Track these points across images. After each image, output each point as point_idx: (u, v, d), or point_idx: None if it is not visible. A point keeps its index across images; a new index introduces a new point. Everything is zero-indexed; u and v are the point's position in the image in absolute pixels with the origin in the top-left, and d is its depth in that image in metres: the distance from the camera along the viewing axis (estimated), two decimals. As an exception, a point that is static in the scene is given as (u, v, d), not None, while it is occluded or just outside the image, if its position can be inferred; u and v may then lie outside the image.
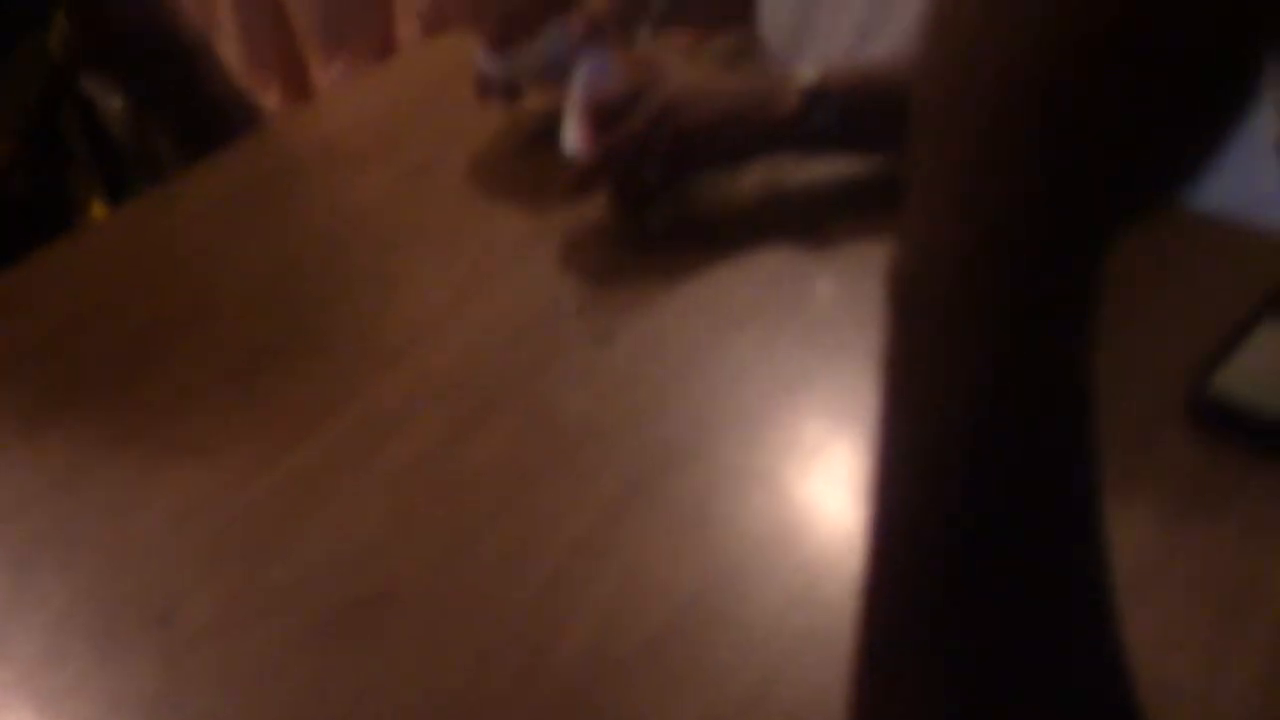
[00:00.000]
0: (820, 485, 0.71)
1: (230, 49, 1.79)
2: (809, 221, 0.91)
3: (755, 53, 1.12)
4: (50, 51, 1.03)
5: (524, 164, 1.00)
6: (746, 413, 0.75)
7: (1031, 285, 0.33)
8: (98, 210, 1.21)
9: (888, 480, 0.37)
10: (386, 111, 1.12)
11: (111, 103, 1.19)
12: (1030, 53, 0.31)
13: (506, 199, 0.97)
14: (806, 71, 0.91)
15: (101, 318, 0.88)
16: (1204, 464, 0.69)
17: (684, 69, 0.95)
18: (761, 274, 0.87)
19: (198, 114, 1.19)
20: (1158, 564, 0.63)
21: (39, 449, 0.77)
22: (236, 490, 0.73)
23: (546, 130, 0.95)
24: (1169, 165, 0.33)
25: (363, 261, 0.92)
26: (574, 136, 0.91)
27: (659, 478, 0.71)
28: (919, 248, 0.35)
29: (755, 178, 0.95)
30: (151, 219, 1.01)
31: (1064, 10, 0.31)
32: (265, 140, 1.12)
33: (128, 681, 0.62)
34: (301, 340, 0.85)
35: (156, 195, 1.07)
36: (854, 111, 0.90)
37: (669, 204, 0.91)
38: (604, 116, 0.89)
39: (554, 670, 0.61)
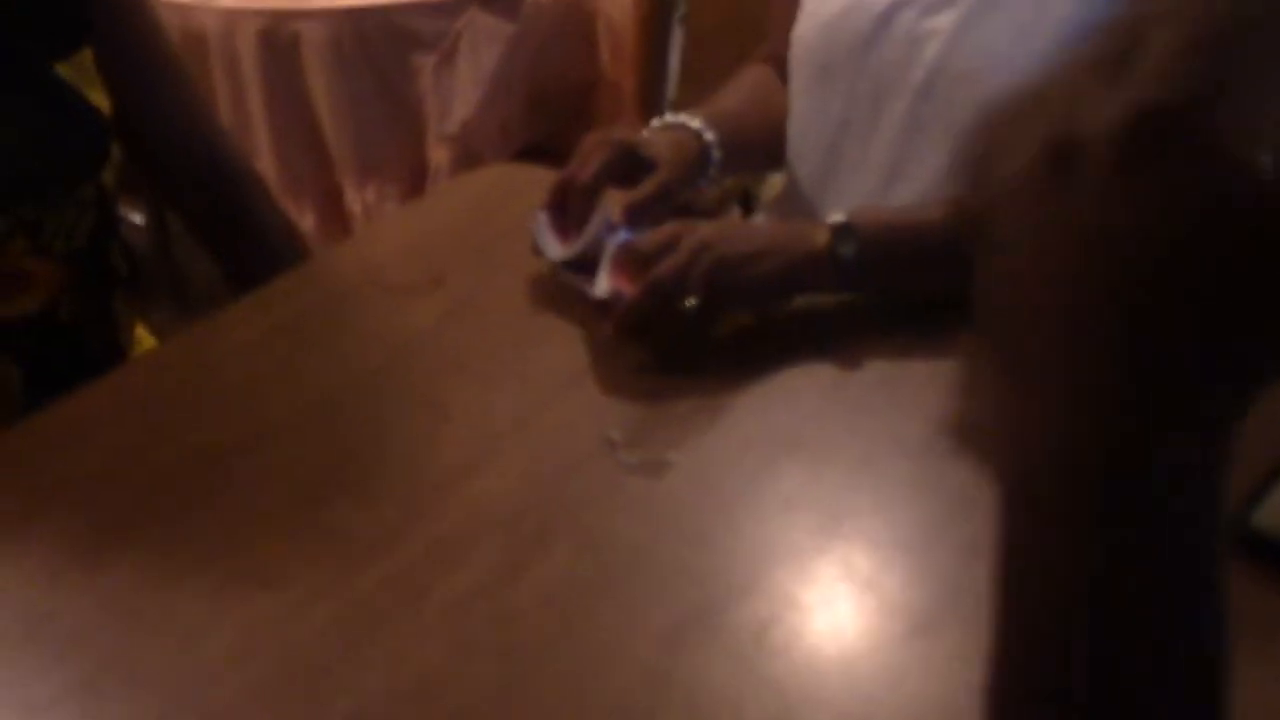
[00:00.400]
0: (874, 618, 0.72)
1: (267, 175, 1.84)
2: (845, 353, 0.94)
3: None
4: (105, 185, 1.07)
5: (568, 296, 1.03)
6: (799, 544, 0.77)
7: (1144, 475, 0.35)
8: (139, 331, 1.24)
9: (1005, 661, 0.39)
10: (429, 242, 1.15)
11: (132, 218, 1.22)
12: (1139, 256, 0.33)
13: (552, 330, 1.00)
14: (837, 212, 0.96)
15: (159, 445, 0.90)
16: (1246, 597, 0.70)
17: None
18: (806, 406, 0.89)
19: (244, 240, 1.22)
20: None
21: (103, 577, 0.79)
22: (299, 619, 0.74)
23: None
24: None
25: (413, 391, 0.95)
26: (607, 283, 0.95)
27: (716, 608, 0.72)
28: (1027, 445, 0.37)
29: (789, 311, 0.98)
30: (203, 347, 1.04)
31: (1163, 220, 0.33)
32: (312, 270, 1.15)
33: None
34: (358, 468, 0.87)
35: (208, 324, 1.10)
36: (878, 249, 0.95)
37: (704, 334, 0.94)
38: (643, 259, 0.93)
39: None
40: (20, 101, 1.02)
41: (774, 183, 1.34)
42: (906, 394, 0.89)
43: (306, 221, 1.87)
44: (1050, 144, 0.35)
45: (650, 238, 0.95)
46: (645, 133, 1.10)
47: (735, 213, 1.59)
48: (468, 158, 1.76)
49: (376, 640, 0.72)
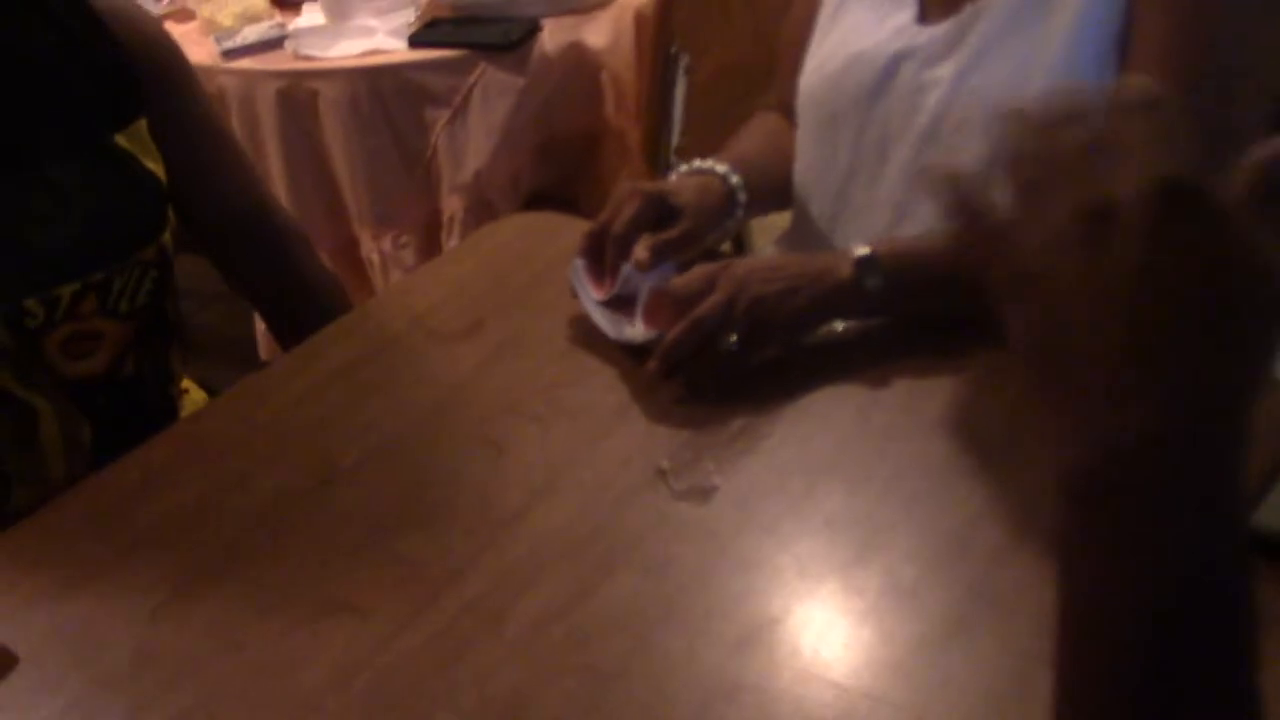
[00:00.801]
0: (918, 622, 0.79)
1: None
2: (872, 378, 1.01)
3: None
4: (165, 247, 1.13)
5: (605, 338, 1.10)
6: (844, 560, 0.84)
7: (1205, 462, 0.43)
8: (186, 382, 1.30)
9: (1074, 654, 0.45)
10: (467, 289, 1.22)
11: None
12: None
13: (593, 369, 1.06)
14: (858, 246, 1.03)
15: (236, 490, 0.96)
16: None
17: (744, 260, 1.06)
18: (838, 430, 0.96)
19: (293, 297, 1.29)
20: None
21: (201, 613, 0.85)
22: (389, 646, 0.80)
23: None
24: None
25: (468, 430, 1.01)
26: (643, 325, 1.03)
27: (774, 620, 0.79)
28: (1093, 445, 0.44)
29: (816, 338, 1.06)
30: (263, 396, 1.10)
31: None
32: (357, 320, 1.21)
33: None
34: (425, 504, 0.93)
35: (264, 374, 1.16)
36: (900, 278, 1.02)
37: (742, 367, 1.02)
38: (681, 300, 1.00)
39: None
40: (86, 171, 1.09)
41: (767, 222, 1.41)
42: (928, 416, 0.96)
43: (324, 272, 1.93)
44: (1087, 208, 0.44)
45: (687, 279, 1.02)
46: (674, 178, 1.18)
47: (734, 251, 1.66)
48: (480, 207, 1.83)
49: (463, 662, 0.78)
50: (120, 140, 1.11)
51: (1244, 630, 0.43)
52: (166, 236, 1.13)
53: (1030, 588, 0.80)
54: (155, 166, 1.13)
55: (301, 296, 1.28)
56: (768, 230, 1.51)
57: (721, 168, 1.16)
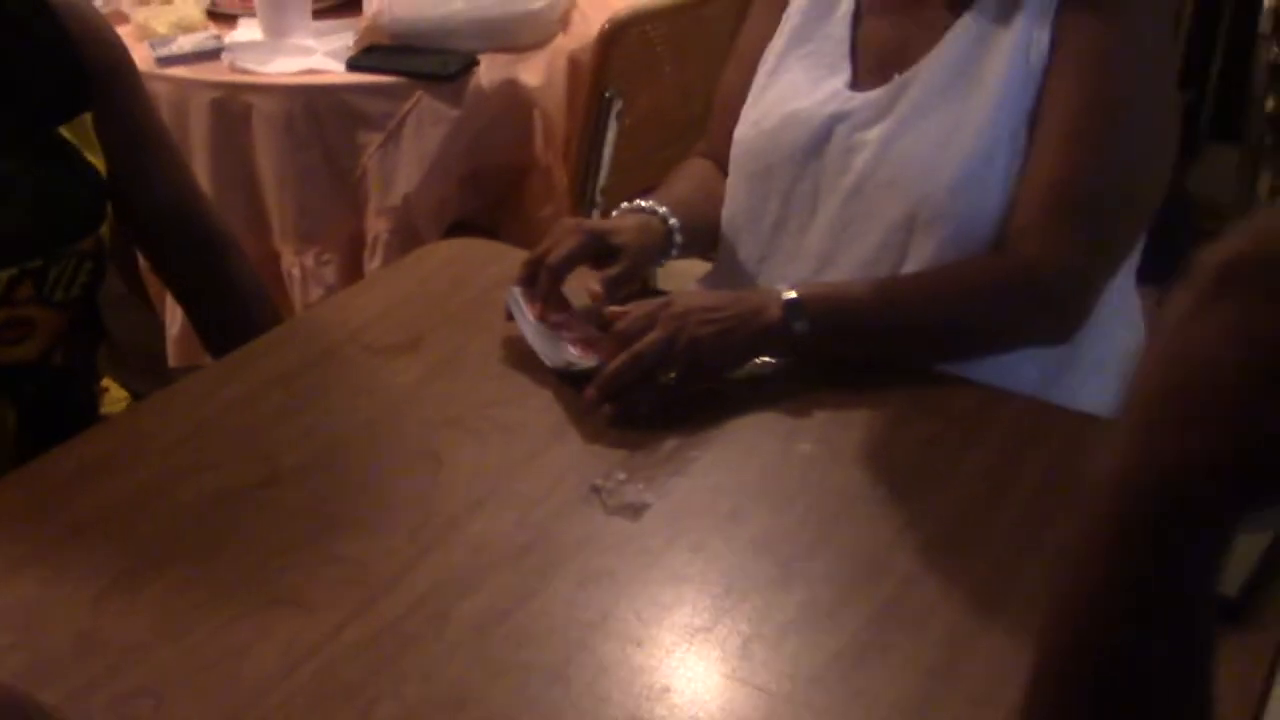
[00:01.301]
0: (837, 640, 0.85)
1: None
2: (795, 410, 1.07)
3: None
4: (102, 239, 1.15)
5: (540, 361, 1.15)
6: (768, 578, 0.89)
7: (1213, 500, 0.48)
8: (107, 382, 1.31)
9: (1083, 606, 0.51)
10: (404, 307, 1.25)
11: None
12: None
13: (529, 390, 1.10)
14: (786, 289, 1.10)
15: (178, 484, 0.98)
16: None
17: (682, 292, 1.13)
18: (764, 457, 1.02)
19: (223, 303, 1.31)
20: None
21: (144, 600, 0.87)
22: (334, 639, 0.83)
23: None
24: None
25: (407, 441, 1.05)
26: (578, 352, 1.09)
27: (704, 630, 0.84)
28: (1133, 467, 0.48)
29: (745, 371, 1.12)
30: (201, 398, 1.11)
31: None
32: (293, 330, 1.24)
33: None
34: (366, 507, 0.96)
35: (199, 376, 1.18)
36: (824, 322, 1.09)
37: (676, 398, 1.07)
38: (622, 334, 1.06)
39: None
40: (29, 161, 1.11)
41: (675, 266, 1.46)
42: (846, 447, 1.03)
43: (243, 284, 1.94)
44: (1208, 269, 0.48)
45: (629, 315, 1.07)
46: (615, 215, 1.24)
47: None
48: (405, 230, 1.86)
49: (407, 657, 0.82)
50: (64, 132, 1.13)
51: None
52: (104, 229, 1.15)
53: (938, 609, 0.86)
54: (96, 160, 1.15)
55: (229, 299, 1.30)
56: (674, 273, 1.58)
57: (661, 209, 1.22)
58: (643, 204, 1.22)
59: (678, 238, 1.22)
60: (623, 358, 1.04)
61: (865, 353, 1.12)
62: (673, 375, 1.06)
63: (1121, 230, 1.17)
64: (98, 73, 1.16)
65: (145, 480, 0.99)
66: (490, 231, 1.96)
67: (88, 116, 1.15)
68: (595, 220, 1.22)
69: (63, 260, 1.10)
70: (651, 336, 1.05)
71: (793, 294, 1.10)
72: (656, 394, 1.06)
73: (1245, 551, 0.87)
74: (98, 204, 1.15)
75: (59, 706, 0.77)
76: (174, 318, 1.95)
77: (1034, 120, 1.13)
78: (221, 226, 1.34)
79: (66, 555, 0.91)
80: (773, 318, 1.09)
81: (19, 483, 0.99)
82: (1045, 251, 1.11)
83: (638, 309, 1.08)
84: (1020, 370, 1.16)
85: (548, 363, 1.10)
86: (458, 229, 1.92)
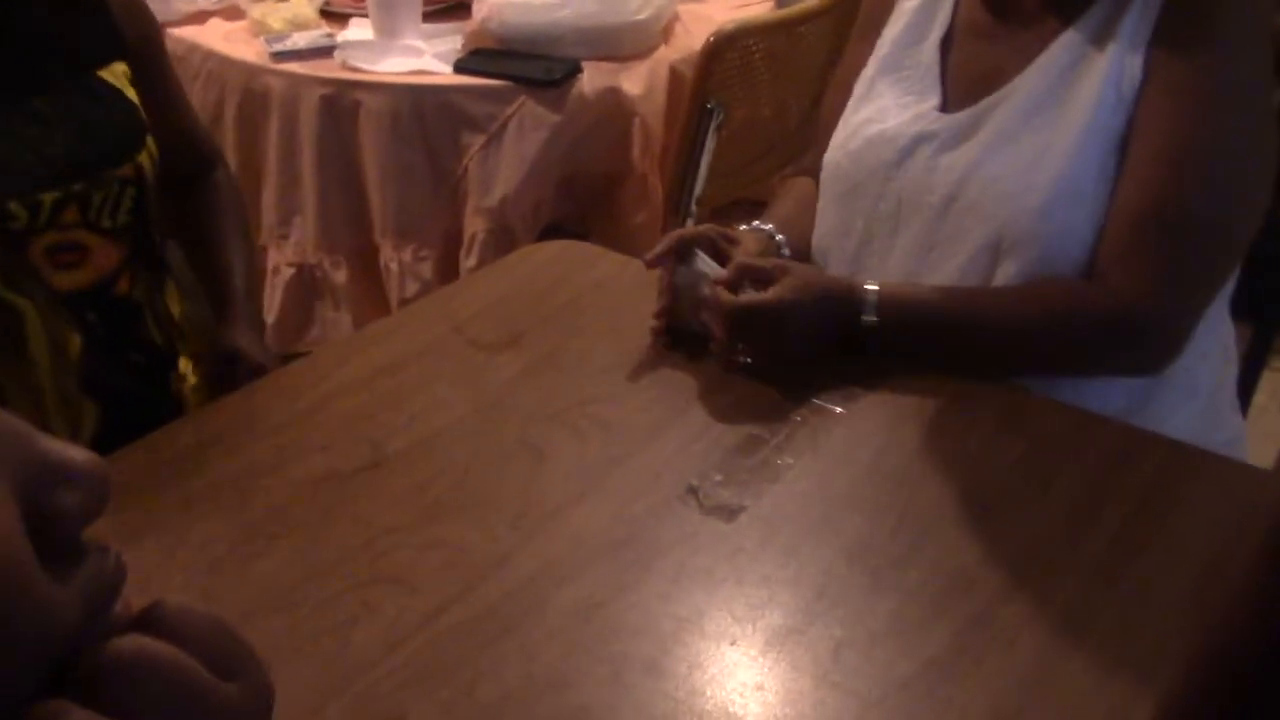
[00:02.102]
0: (929, 649, 0.86)
1: (307, 229, 1.97)
2: (889, 423, 1.09)
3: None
4: (142, 168, 1.20)
5: (640, 358, 1.17)
6: (860, 585, 0.91)
7: None
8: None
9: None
10: (505, 305, 1.29)
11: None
12: None
13: (627, 390, 1.13)
14: (869, 282, 1.14)
15: (290, 463, 1.02)
16: None
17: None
18: (857, 468, 1.04)
19: (204, 192, 1.39)
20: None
21: (256, 570, 0.90)
22: (437, 620, 0.86)
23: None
24: None
25: (508, 434, 1.07)
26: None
27: (796, 632, 0.86)
28: None
29: (839, 381, 1.13)
30: (315, 379, 1.15)
31: None
32: (402, 323, 1.28)
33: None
34: (469, 496, 0.99)
35: (313, 359, 1.22)
36: (892, 316, 1.14)
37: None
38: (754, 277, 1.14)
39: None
40: (71, 97, 1.18)
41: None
42: (936, 464, 1.04)
43: (340, 275, 1.99)
44: None
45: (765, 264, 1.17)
46: (738, 230, 1.29)
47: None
48: (501, 230, 1.90)
49: (508, 640, 0.84)
50: (102, 74, 1.21)
51: None
52: (144, 157, 1.20)
53: (1028, 626, 0.87)
54: (133, 97, 1.22)
55: (207, 189, 1.39)
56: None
57: (768, 226, 1.27)
58: (760, 225, 1.28)
59: (785, 251, 1.25)
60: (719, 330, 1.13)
61: (930, 353, 1.15)
62: (747, 360, 1.15)
63: (1216, 263, 1.16)
64: (131, 38, 1.25)
65: (257, 458, 1.03)
66: (582, 235, 1.99)
67: (122, 65, 1.23)
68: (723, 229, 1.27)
69: (104, 186, 1.17)
70: (748, 329, 1.14)
71: (873, 287, 1.14)
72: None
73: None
74: (135, 134, 1.21)
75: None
76: (271, 305, 2.01)
77: (1124, 148, 1.13)
78: (214, 143, 1.45)
79: (183, 525, 0.95)
80: (848, 310, 1.14)
81: (137, 455, 1.03)
82: (1136, 284, 1.11)
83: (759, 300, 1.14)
84: (1108, 394, 1.17)
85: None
86: (551, 231, 1.96)
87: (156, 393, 1.24)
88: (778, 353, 1.16)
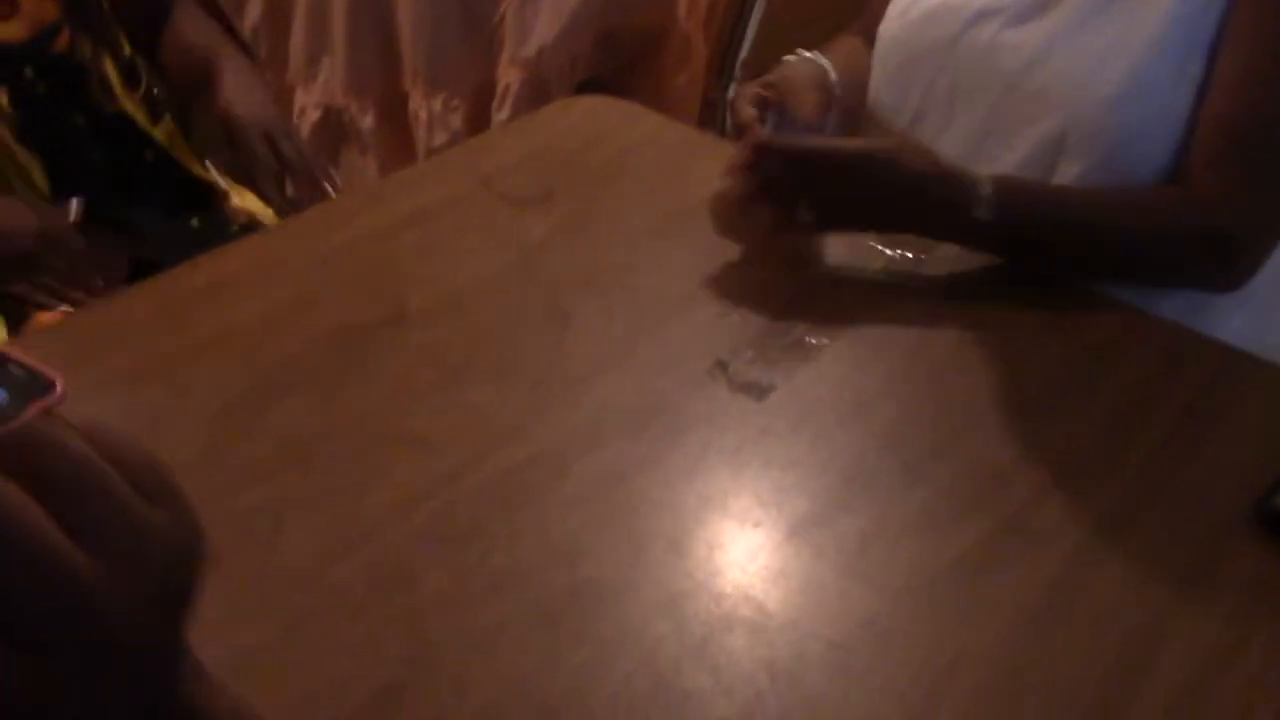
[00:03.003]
0: (957, 547, 0.83)
1: (335, 72, 1.90)
2: (930, 315, 1.04)
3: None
4: None
5: (676, 225, 1.12)
6: (889, 477, 0.87)
7: None
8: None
9: None
10: (538, 160, 1.23)
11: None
12: None
13: (659, 255, 1.09)
14: (982, 171, 1.05)
15: (306, 312, 0.98)
16: (1272, 566, 0.82)
17: None
18: (893, 357, 0.99)
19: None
20: (1230, 650, 0.76)
21: (267, 423, 0.87)
22: (453, 483, 0.83)
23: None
24: None
25: (535, 297, 1.03)
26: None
27: (821, 520, 0.82)
28: None
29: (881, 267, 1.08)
30: (333, 227, 1.11)
31: None
32: (427, 173, 1.23)
33: (377, 644, 0.72)
34: (492, 358, 0.96)
35: (331, 205, 1.18)
36: (1012, 217, 1.04)
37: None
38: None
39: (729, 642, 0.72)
40: None
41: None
42: (979, 357, 0.99)
43: (367, 120, 1.93)
44: None
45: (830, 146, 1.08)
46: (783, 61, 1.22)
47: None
48: (535, 83, 1.83)
49: (525, 507, 0.81)
50: None
51: None
52: None
53: (1063, 529, 0.84)
54: None
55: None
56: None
57: (823, 62, 1.21)
58: (806, 54, 1.19)
59: (837, 91, 1.18)
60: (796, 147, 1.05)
61: (1031, 258, 1.07)
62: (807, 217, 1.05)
63: None
64: None
65: (273, 304, 0.99)
66: (619, 94, 1.92)
67: None
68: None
69: None
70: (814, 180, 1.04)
71: (985, 176, 1.04)
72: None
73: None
74: None
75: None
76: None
77: (1211, 54, 1.05)
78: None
79: (192, 370, 0.92)
80: (957, 198, 1.04)
81: (146, 294, 1.00)
82: (1228, 197, 1.03)
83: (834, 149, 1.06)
84: (1164, 296, 1.11)
85: None
86: (587, 87, 1.89)
87: (128, 165, 1.21)
88: (847, 212, 1.06)
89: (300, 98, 1.97)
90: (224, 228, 1.29)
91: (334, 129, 1.98)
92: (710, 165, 1.11)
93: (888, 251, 1.09)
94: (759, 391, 0.94)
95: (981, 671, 0.73)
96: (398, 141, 1.93)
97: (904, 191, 1.04)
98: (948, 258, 1.08)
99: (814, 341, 1.00)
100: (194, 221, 1.30)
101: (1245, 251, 1.06)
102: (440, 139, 1.87)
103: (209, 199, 1.30)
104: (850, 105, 1.27)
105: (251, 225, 1.29)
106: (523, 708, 0.69)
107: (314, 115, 1.97)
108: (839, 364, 0.98)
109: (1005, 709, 0.71)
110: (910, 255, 1.09)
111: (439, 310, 1.00)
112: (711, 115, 1.80)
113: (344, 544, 0.78)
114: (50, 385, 0.34)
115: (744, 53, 1.69)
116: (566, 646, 0.72)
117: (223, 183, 1.33)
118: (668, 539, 0.80)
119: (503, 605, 0.74)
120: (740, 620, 0.75)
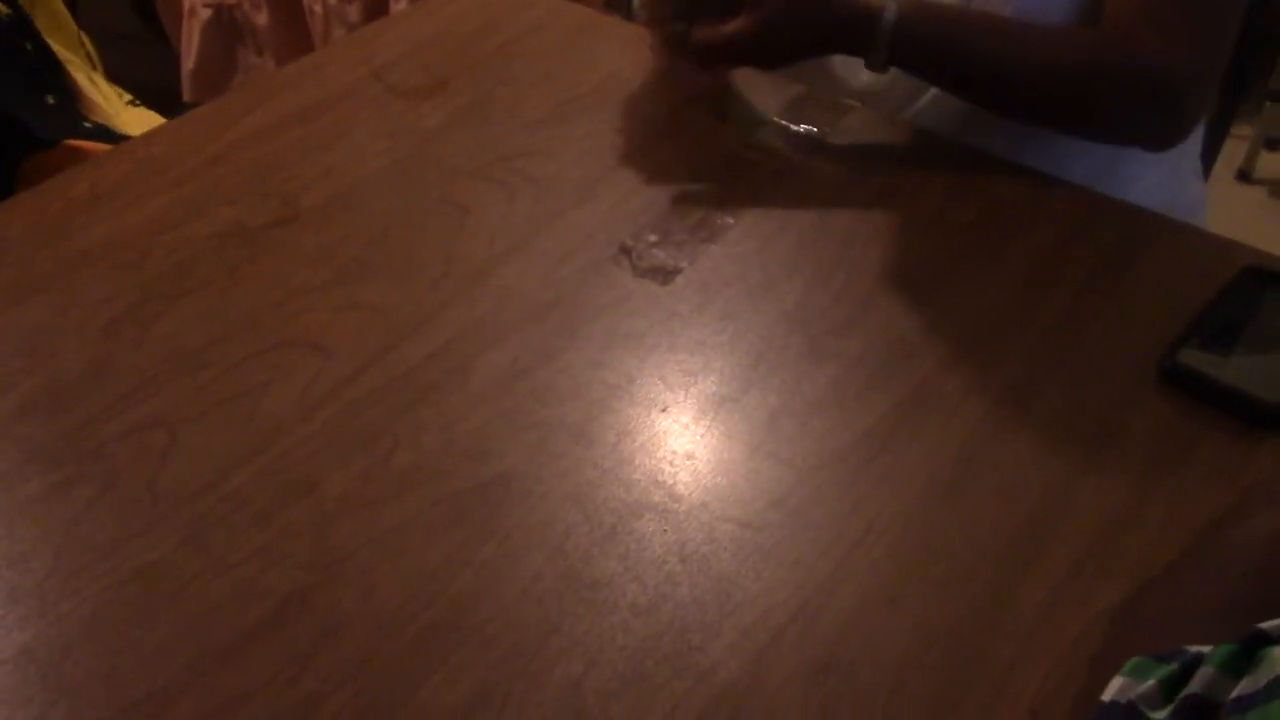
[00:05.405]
0: (867, 419, 0.82)
1: (221, -35, 1.82)
2: (836, 185, 1.03)
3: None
4: None
5: (575, 110, 1.09)
6: (798, 352, 0.86)
7: None
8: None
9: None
10: (431, 49, 1.19)
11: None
12: None
13: (557, 142, 1.06)
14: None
15: (192, 217, 0.95)
16: (1174, 422, 0.82)
17: None
18: (800, 231, 0.98)
19: None
20: (1137, 504, 0.77)
21: (157, 332, 0.84)
22: (353, 384, 0.81)
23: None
24: None
25: (430, 188, 1.00)
26: None
27: (731, 400, 0.82)
28: None
29: (785, 141, 1.06)
30: (216, 129, 1.07)
31: None
32: (315, 66, 1.18)
33: (280, 551, 0.71)
34: (389, 253, 0.93)
35: (214, 107, 1.13)
36: (913, 32, 1.00)
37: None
38: None
39: (615, 536, 0.71)
40: None
41: None
42: (885, 226, 0.99)
43: (260, 17, 1.85)
44: None
45: None
46: None
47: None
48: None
49: (427, 406, 0.80)
50: None
51: None
52: None
53: (971, 398, 0.84)
54: None
55: None
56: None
57: None
58: None
59: None
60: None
61: (939, 76, 1.04)
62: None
63: (1234, 27, 1.06)
64: None
65: (158, 210, 0.95)
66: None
67: None
68: None
69: None
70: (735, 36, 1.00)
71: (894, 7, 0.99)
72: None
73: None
74: None
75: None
76: (189, 51, 1.88)
77: None
78: None
79: (77, 283, 0.88)
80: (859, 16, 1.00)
81: (22, 205, 0.95)
82: (1175, 47, 0.99)
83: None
84: (1072, 159, 1.10)
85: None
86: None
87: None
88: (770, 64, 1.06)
89: (188, -4, 1.89)
90: (78, 119, 1.24)
91: (227, 28, 1.90)
92: (610, 47, 1.08)
93: (792, 126, 1.07)
94: (664, 275, 0.92)
95: (891, 542, 0.73)
96: (294, 38, 1.86)
97: (808, 48, 1.02)
98: (852, 129, 1.06)
99: (719, 221, 0.98)
100: (50, 99, 1.24)
101: (1192, 103, 1.02)
102: (338, 34, 1.81)
103: (61, 78, 1.24)
104: None
105: (105, 129, 1.24)
106: (433, 607, 0.68)
107: (205, 14, 1.88)
108: (745, 242, 0.96)
109: (914, 576, 0.71)
110: (815, 129, 1.07)
111: (330, 208, 0.97)
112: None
113: (241, 453, 0.76)
114: None
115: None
116: (475, 543, 0.71)
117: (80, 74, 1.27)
118: (573, 429, 0.79)
119: (408, 505, 0.73)
120: (650, 506, 0.74)
